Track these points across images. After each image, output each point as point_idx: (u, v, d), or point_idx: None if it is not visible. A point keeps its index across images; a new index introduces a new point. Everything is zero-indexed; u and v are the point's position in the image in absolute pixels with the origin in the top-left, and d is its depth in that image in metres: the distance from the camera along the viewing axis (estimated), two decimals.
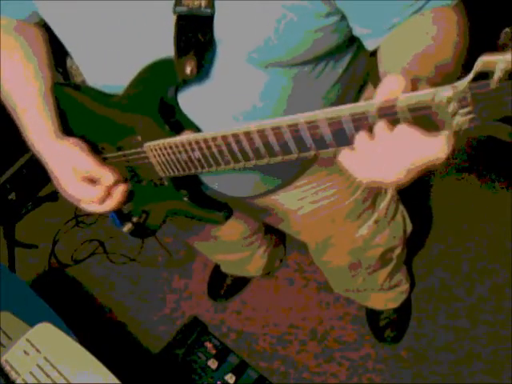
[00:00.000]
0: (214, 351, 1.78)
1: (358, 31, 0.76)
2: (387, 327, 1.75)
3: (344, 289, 1.68)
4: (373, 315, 1.78)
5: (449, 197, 1.96)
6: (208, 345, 1.79)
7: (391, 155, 0.54)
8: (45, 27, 0.91)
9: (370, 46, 0.76)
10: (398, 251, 1.43)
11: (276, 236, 1.83)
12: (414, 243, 1.85)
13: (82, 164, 0.87)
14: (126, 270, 2.09)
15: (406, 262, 1.64)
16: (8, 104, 0.94)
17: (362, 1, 0.70)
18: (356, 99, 1.00)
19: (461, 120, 0.48)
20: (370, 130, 0.54)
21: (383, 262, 1.43)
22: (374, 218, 1.23)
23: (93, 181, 0.88)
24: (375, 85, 0.76)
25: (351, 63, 0.89)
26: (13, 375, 1.04)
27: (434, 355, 1.71)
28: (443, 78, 0.64)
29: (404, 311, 1.78)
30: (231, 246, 1.59)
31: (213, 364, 1.74)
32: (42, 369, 1.04)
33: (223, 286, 1.95)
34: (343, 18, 0.74)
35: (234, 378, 1.71)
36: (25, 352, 1.07)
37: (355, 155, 0.56)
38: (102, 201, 0.89)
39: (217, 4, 0.69)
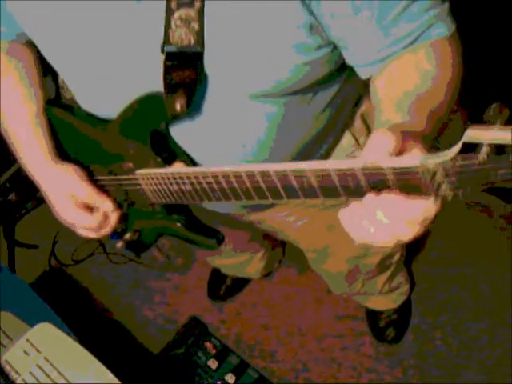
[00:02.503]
0: (214, 351, 1.78)
1: (350, 61, 0.75)
2: (387, 327, 1.75)
3: (343, 293, 1.67)
4: (373, 315, 1.78)
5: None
6: (208, 345, 1.79)
7: (383, 225, 0.54)
8: (35, 45, 0.90)
9: (363, 75, 0.75)
10: (396, 257, 1.42)
11: (274, 240, 1.83)
12: (413, 244, 1.85)
13: (80, 191, 0.87)
14: (125, 270, 2.09)
15: (405, 263, 1.64)
16: (1, 125, 0.93)
17: (352, 33, 0.68)
18: (352, 114, 1.00)
19: (446, 190, 0.49)
20: (355, 186, 0.55)
21: (382, 268, 1.43)
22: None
23: (89, 207, 0.88)
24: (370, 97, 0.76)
25: (345, 84, 0.88)
26: (13, 375, 1.04)
27: (434, 355, 1.71)
28: (436, 121, 0.64)
29: (404, 311, 1.78)
30: (228, 252, 1.59)
31: (213, 364, 1.74)
32: (42, 369, 1.05)
33: (223, 286, 1.95)
34: (335, 47, 0.73)
35: (233, 378, 1.71)
36: (25, 352, 1.07)
37: (350, 216, 0.57)
38: (100, 228, 0.89)
39: (206, 41, 0.69)
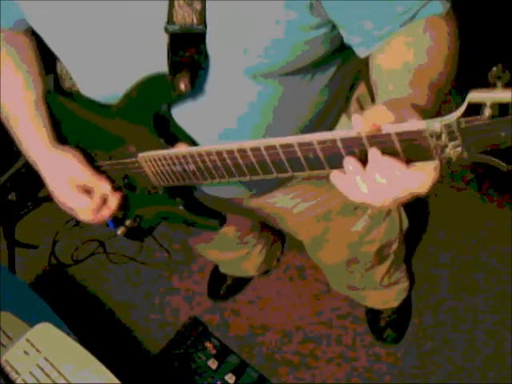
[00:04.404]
0: (214, 351, 1.78)
1: (349, 40, 0.76)
2: (387, 327, 1.75)
3: (343, 287, 1.68)
4: (373, 315, 1.78)
5: (448, 194, 1.96)
6: (208, 345, 1.79)
7: (378, 186, 0.56)
8: (33, 34, 0.91)
9: (361, 54, 0.76)
10: (394, 247, 1.43)
11: (273, 234, 1.84)
12: (413, 243, 1.85)
13: (78, 174, 0.88)
14: (125, 270, 2.09)
15: (405, 262, 1.64)
16: (1, 114, 0.95)
17: (352, 11, 0.70)
18: (348, 98, 1.01)
19: (450, 152, 0.50)
20: (361, 155, 0.56)
21: (380, 258, 1.43)
22: (369, 213, 1.23)
23: (88, 190, 0.89)
24: (367, 82, 0.78)
25: (341, 66, 0.89)
26: (13, 375, 1.04)
27: (434, 355, 1.71)
28: (437, 92, 0.66)
29: (404, 311, 1.78)
30: (227, 243, 1.59)
31: (213, 364, 1.74)
32: (42, 369, 1.04)
33: (223, 286, 1.95)
34: (333, 27, 0.75)
35: (233, 378, 1.71)
36: (25, 352, 1.07)
37: (346, 178, 0.58)
38: (98, 210, 0.90)
39: (208, 20, 0.70)
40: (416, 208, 1.50)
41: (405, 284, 1.70)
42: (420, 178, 0.53)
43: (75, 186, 0.88)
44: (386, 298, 1.71)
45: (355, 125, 0.54)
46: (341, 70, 0.90)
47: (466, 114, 0.47)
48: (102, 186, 0.89)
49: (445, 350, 1.71)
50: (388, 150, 0.54)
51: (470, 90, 0.47)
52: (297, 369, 1.77)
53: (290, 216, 1.19)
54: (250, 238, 1.65)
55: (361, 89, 1.03)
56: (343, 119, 1.01)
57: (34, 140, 0.92)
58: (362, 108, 1.03)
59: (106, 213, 0.91)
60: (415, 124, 0.51)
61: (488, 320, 1.73)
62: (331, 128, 1.01)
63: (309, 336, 1.82)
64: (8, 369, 1.05)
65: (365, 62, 0.76)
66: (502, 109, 0.45)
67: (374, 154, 0.55)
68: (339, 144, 0.56)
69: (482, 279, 1.81)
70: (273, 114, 0.83)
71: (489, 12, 2.07)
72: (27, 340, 1.08)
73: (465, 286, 1.81)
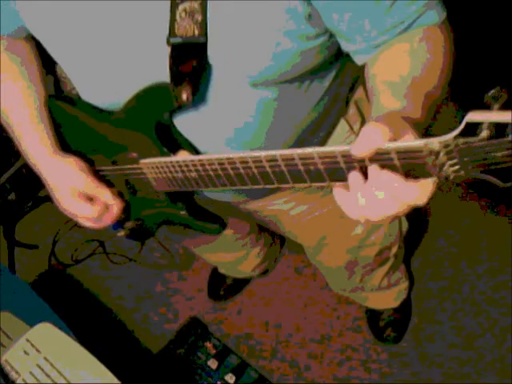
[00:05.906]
0: (213, 351, 1.78)
1: (346, 47, 0.77)
2: (387, 327, 1.75)
3: (342, 288, 1.68)
4: (373, 315, 1.78)
5: (448, 196, 1.96)
6: (208, 345, 1.79)
7: (377, 201, 0.56)
8: (34, 39, 0.91)
9: (359, 61, 0.77)
10: (394, 250, 1.43)
11: (271, 236, 1.84)
12: (413, 243, 1.85)
13: (80, 183, 0.89)
14: (125, 270, 2.09)
15: (405, 261, 1.64)
16: (4, 121, 0.95)
17: (349, 21, 0.70)
18: (347, 101, 1.01)
19: (448, 170, 0.51)
20: (361, 169, 0.57)
21: (380, 261, 1.43)
22: None
23: (90, 198, 0.90)
24: (365, 86, 0.79)
25: (340, 72, 0.90)
26: (13, 375, 1.04)
27: (435, 355, 1.71)
28: (430, 105, 0.67)
29: (404, 311, 1.78)
30: (225, 246, 1.59)
31: (213, 364, 1.74)
32: (42, 369, 1.04)
33: (223, 286, 1.95)
34: (331, 36, 0.75)
35: (233, 378, 1.71)
36: (25, 352, 1.07)
37: (347, 195, 0.58)
38: (100, 217, 0.91)
39: (209, 31, 0.71)
40: (416, 210, 1.50)
41: (404, 284, 1.70)
42: (417, 191, 0.54)
43: (77, 195, 0.89)
44: (386, 298, 1.71)
45: (354, 151, 0.55)
46: (339, 76, 0.91)
47: (464, 133, 0.48)
48: (104, 195, 0.90)
49: (445, 350, 1.71)
50: (387, 166, 0.55)
51: (468, 110, 0.48)
52: (297, 369, 1.77)
53: (287, 218, 1.18)
54: (248, 240, 1.64)
55: (359, 92, 1.03)
56: (341, 122, 1.01)
57: (37, 148, 0.92)
58: (360, 111, 1.03)
59: (108, 219, 0.92)
60: (414, 142, 0.52)
61: (489, 321, 1.73)
62: (330, 132, 1.01)
63: (308, 336, 1.82)
64: (8, 369, 1.05)
65: (363, 67, 0.77)
66: (499, 129, 0.46)
67: (373, 170, 0.56)
68: (340, 159, 0.58)
69: (482, 280, 1.81)
70: (272, 120, 0.83)
71: (488, 12, 2.07)
72: (27, 340, 1.08)
73: (465, 285, 1.81)
